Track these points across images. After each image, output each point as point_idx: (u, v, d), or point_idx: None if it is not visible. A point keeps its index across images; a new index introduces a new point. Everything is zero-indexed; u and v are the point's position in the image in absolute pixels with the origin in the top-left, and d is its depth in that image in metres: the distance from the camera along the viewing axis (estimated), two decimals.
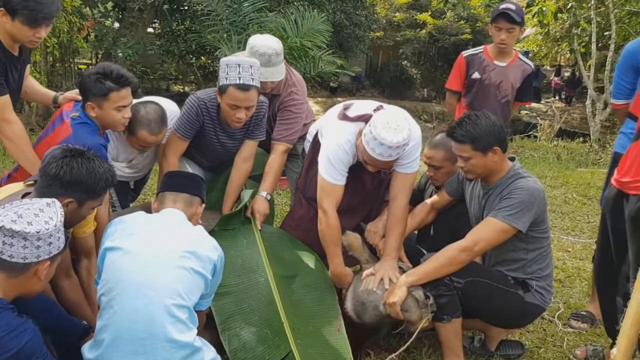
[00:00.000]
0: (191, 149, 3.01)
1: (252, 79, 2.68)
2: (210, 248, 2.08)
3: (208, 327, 2.35)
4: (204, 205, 2.36)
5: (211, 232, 2.61)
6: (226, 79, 2.67)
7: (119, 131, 2.72)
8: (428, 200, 2.90)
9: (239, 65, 2.66)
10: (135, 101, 2.72)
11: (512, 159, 2.60)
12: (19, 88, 2.61)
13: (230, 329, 2.43)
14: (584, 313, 3.18)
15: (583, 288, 3.62)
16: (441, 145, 2.78)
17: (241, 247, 2.80)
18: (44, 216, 1.71)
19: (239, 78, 2.65)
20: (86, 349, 1.95)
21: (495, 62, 3.56)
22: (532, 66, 3.67)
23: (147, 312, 1.86)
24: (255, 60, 2.80)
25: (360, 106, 2.72)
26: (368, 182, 2.85)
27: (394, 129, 2.42)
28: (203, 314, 2.20)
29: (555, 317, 3.17)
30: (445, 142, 2.76)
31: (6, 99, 2.39)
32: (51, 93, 2.89)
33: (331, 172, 2.63)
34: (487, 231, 2.44)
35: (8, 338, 1.63)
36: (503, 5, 3.47)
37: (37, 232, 1.66)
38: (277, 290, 2.62)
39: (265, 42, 3.00)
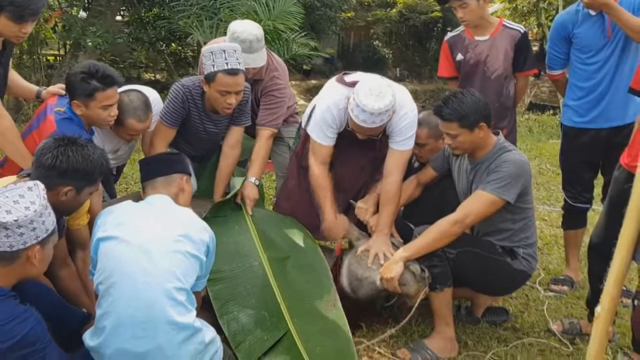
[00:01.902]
0: (177, 139, 3.02)
1: (239, 63, 2.70)
2: (201, 230, 2.12)
3: (204, 309, 2.39)
4: (188, 176, 2.39)
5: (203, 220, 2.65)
6: (213, 66, 2.68)
7: (104, 128, 2.72)
8: (414, 176, 2.96)
9: (224, 51, 2.67)
10: None
11: (496, 133, 2.68)
12: (4, 82, 2.58)
13: (228, 313, 2.49)
14: (563, 277, 3.31)
15: (561, 254, 3.75)
16: (425, 123, 2.85)
17: (233, 233, 2.84)
18: (24, 202, 1.70)
19: (227, 63, 2.66)
20: (87, 337, 1.97)
21: (477, 38, 3.28)
22: (522, 30, 3.28)
23: (146, 297, 1.90)
24: (237, 45, 2.82)
25: (360, 75, 2.75)
26: (361, 158, 2.91)
27: (376, 95, 2.48)
28: (199, 295, 2.24)
29: (537, 283, 3.30)
30: (428, 119, 2.83)
31: None
32: (34, 87, 2.86)
33: (317, 132, 2.73)
34: (477, 204, 2.52)
35: (11, 325, 1.65)
36: None
37: (16, 221, 1.65)
38: (271, 272, 2.68)
39: (245, 28, 3.01)
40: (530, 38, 15.65)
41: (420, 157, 2.95)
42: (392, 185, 2.72)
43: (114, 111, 2.57)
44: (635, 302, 2.34)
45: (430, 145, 2.87)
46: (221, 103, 2.76)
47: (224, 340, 2.30)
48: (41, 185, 1.80)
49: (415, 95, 14.72)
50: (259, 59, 3.07)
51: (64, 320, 2.08)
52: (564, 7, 11.52)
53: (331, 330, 2.51)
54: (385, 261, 2.55)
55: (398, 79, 19.11)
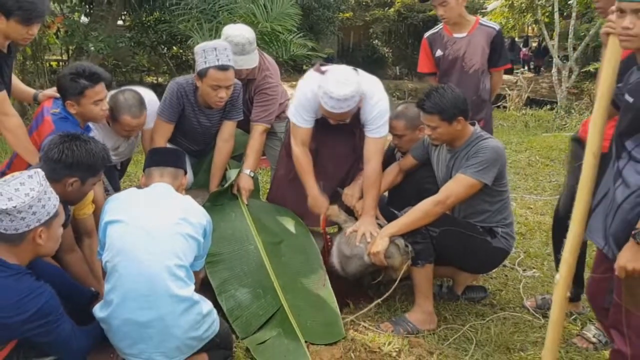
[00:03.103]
0: (175, 134, 3.24)
1: (229, 60, 2.93)
2: (199, 214, 2.33)
3: (205, 290, 2.61)
4: (187, 176, 2.61)
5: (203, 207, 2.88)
6: (205, 62, 2.90)
7: (99, 122, 2.92)
8: (396, 163, 3.18)
9: (215, 49, 2.90)
10: (112, 92, 2.94)
11: (472, 124, 2.89)
12: (10, 83, 2.80)
13: (226, 292, 2.73)
14: None
15: (542, 239, 3.95)
16: (402, 116, 3.07)
17: (230, 219, 3.07)
18: (24, 189, 1.87)
19: (218, 60, 2.89)
20: (97, 309, 2.19)
21: (455, 35, 3.48)
22: (496, 28, 3.49)
23: (149, 273, 2.11)
24: (227, 43, 3.04)
25: (334, 67, 2.96)
26: (342, 147, 3.13)
27: (342, 83, 2.72)
28: (199, 275, 2.46)
29: (516, 264, 3.50)
30: (405, 112, 3.06)
31: (4, 94, 2.59)
32: (31, 91, 3.08)
33: (295, 115, 2.99)
34: (457, 186, 2.73)
35: (29, 298, 1.86)
36: None
37: (15, 207, 1.82)
38: (266, 255, 2.91)
39: (238, 32, 3.24)
40: (530, 35, 15.67)
41: (400, 147, 3.16)
42: (373, 171, 2.93)
43: (105, 105, 2.77)
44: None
45: (408, 136, 3.08)
46: (213, 97, 2.98)
47: (222, 315, 2.53)
48: (41, 173, 1.97)
49: (415, 93, 14.89)
50: (251, 60, 3.29)
51: (74, 297, 2.30)
52: (559, 4, 11.76)
53: (321, 306, 2.75)
54: (372, 239, 2.76)
55: (398, 77, 19.33)
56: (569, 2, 12.23)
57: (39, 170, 2.00)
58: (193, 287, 2.21)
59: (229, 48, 2.96)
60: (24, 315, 1.85)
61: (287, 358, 2.48)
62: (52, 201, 1.96)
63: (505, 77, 18.42)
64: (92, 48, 9.37)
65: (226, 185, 3.21)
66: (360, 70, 2.93)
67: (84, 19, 11.22)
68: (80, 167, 2.25)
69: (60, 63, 12.33)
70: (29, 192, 1.87)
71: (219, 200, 3.15)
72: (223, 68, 2.90)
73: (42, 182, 1.94)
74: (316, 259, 2.97)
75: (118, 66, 12.72)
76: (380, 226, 2.85)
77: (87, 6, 10.85)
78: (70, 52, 11.07)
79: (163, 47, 12.27)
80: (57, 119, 2.69)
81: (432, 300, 2.83)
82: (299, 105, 2.96)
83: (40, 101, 2.93)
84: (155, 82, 15.23)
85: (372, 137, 2.93)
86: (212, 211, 2.96)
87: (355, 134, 3.07)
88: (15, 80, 3.05)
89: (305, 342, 2.55)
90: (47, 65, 10.71)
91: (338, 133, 3.02)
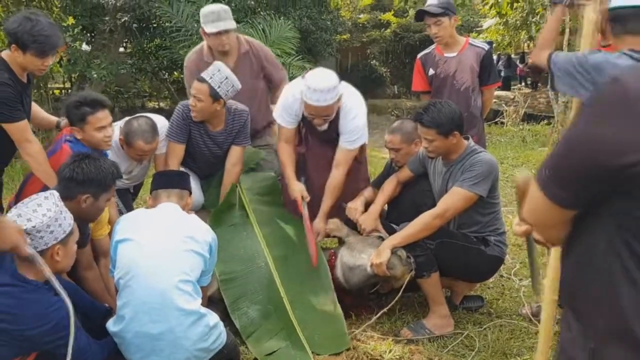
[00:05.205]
0: (186, 159, 3.41)
1: (211, 77, 3.17)
2: (205, 232, 2.46)
3: (216, 307, 2.72)
4: (192, 196, 2.75)
5: (215, 229, 3.04)
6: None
7: (105, 149, 3.02)
8: (394, 175, 3.32)
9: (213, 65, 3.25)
10: (126, 118, 3.11)
11: (466, 138, 3.02)
12: (29, 111, 2.95)
13: (239, 309, 2.88)
14: None
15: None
16: (398, 131, 3.22)
17: (242, 238, 3.21)
18: (42, 209, 2.00)
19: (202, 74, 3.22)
20: (111, 324, 2.30)
21: (446, 55, 3.66)
22: (486, 48, 3.67)
23: (159, 288, 2.23)
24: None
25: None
26: (329, 152, 3.31)
27: (321, 76, 2.96)
28: (206, 290, 2.57)
29: (512, 274, 3.60)
30: (401, 127, 3.21)
31: (25, 122, 2.76)
32: (54, 118, 3.26)
33: (279, 117, 3.28)
34: (454, 199, 2.85)
35: (49, 311, 1.98)
36: (426, 5, 3.61)
37: (34, 227, 1.95)
38: (276, 271, 3.05)
39: (212, 6, 3.60)
40: (526, 51, 15.80)
41: (397, 161, 3.30)
42: (338, 176, 3.20)
43: (109, 132, 2.90)
44: None
45: (404, 150, 3.23)
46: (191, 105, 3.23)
47: (236, 332, 2.65)
48: (56, 194, 2.11)
49: (413, 111, 15.03)
50: (229, 24, 3.58)
51: (89, 312, 2.41)
52: None
53: (328, 319, 2.89)
54: (376, 250, 2.88)
55: (396, 96, 19.52)
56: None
57: (54, 191, 2.13)
58: (200, 300, 2.33)
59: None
60: (44, 327, 1.96)
61: None
62: (68, 220, 2.08)
63: (503, 93, 18.70)
64: (95, 75, 9.57)
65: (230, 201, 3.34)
66: (344, 83, 3.13)
67: (85, 47, 11.47)
68: (92, 184, 2.39)
69: (63, 91, 12.55)
70: (46, 213, 2.00)
71: (230, 220, 3.28)
72: (198, 80, 3.19)
73: (58, 202, 2.07)
74: (324, 271, 3.08)
75: (120, 92, 12.92)
76: (382, 239, 2.97)
77: (89, 34, 11.09)
78: (73, 79, 11.30)
79: (164, 72, 12.48)
80: (73, 144, 2.84)
81: (446, 304, 2.95)
82: (281, 107, 3.23)
83: (62, 128, 3.09)
84: (157, 107, 15.44)
85: (345, 148, 3.19)
86: (226, 232, 3.15)
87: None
88: (37, 109, 3.22)
89: (312, 352, 2.66)
90: (51, 93, 10.92)
91: (325, 140, 3.27)
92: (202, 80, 3.16)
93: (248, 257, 3.12)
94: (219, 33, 3.54)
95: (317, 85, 2.91)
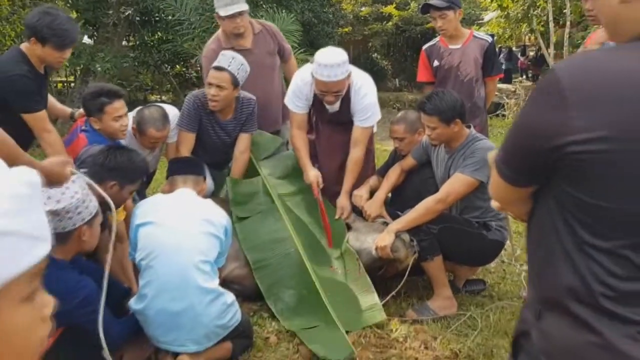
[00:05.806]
0: (197, 149, 3.51)
1: (229, 65, 3.25)
2: (220, 215, 2.58)
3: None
4: (207, 181, 2.87)
5: (243, 219, 3.26)
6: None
7: (120, 139, 3.15)
8: (398, 164, 3.44)
9: (223, 55, 3.34)
10: (138, 108, 3.24)
11: (468, 127, 3.13)
12: (46, 102, 3.07)
13: (274, 294, 3.00)
14: None
15: None
16: (402, 121, 3.34)
17: (270, 224, 3.31)
18: (70, 192, 2.11)
19: (218, 62, 3.29)
20: (133, 302, 2.43)
21: (450, 47, 3.79)
22: (489, 40, 3.79)
23: (179, 268, 2.36)
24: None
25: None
26: (339, 135, 3.47)
27: (330, 53, 3.09)
28: (221, 271, 2.69)
29: (513, 259, 3.72)
30: (404, 117, 3.33)
31: (44, 112, 2.87)
32: (68, 109, 3.38)
33: (290, 102, 3.38)
34: (456, 185, 2.96)
35: (77, 287, 2.11)
36: None
37: (64, 208, 2.06)
38: (305, 256, 3.13)
39: None
40: (527, 44, 15.91)
41: (401, 150, 3.42)
42: (356, 155, 3.35)
43: (125, 121, 3.04)
44: None
45: (408, 139, 3.35)
46: (208, 95, 3.30)
47: (271, 316, 2.87)
48: (83, 179, 2.21)
49: (415, 104, 15.08)
50: (242, 6, 3.66)
51: (111, 290, 2.50)
52: (553, 14, 12.06)
53: (359, 294, 2.99)
54: (381, 234, 3.00)
55: (397, 89, 19.59)
56: (564, 11, 12.50)
57: (81, 174, 2.25)
58: (217, 280, 2.46)
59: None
60: (74, 300, 2.08)
61: (329, 346, 2.65)
62: (93, 202, 2.21)
63: (504, 85, 18.75)
64: (99, 69, 9.65)
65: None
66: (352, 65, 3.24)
67: (87, 41, 11.53)
68: (120, 173, 2.51)
69: (65, 84, 12.63)
70: (74, 195, 2.11)
71: (257, 208, 3.38)
72: (217, 69, 3.26)
73: (84, 185, 2.18)
74: (349, 252, 3.17)
75: (122, 85, 12.88)
76: (386, 224, 3.09)
77: (92, 28, 11.16)
78: (78, 73, 11.37)
79: (167, 66, 12.51)
80: (89, 135, 2.97)
81: (449, 286, 3.07)
82: (292, 93, 3.36)
83: (76, 119, 3.20)
84: (159, 100, 15.53)
85: (360, 126, 3.32)
86: (253, 220, 3.27)
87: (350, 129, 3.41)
88: (52, 100, 3.33)
89: (346, 332, 2.71)
90: (54, 86, 11.00)
91: (335, 125, 3.41)
92: (222, 69, 3.25)
93: (277, 243, 3.22)
94: (234, 16, 3.62)
95: (327, 61, 3.02)
